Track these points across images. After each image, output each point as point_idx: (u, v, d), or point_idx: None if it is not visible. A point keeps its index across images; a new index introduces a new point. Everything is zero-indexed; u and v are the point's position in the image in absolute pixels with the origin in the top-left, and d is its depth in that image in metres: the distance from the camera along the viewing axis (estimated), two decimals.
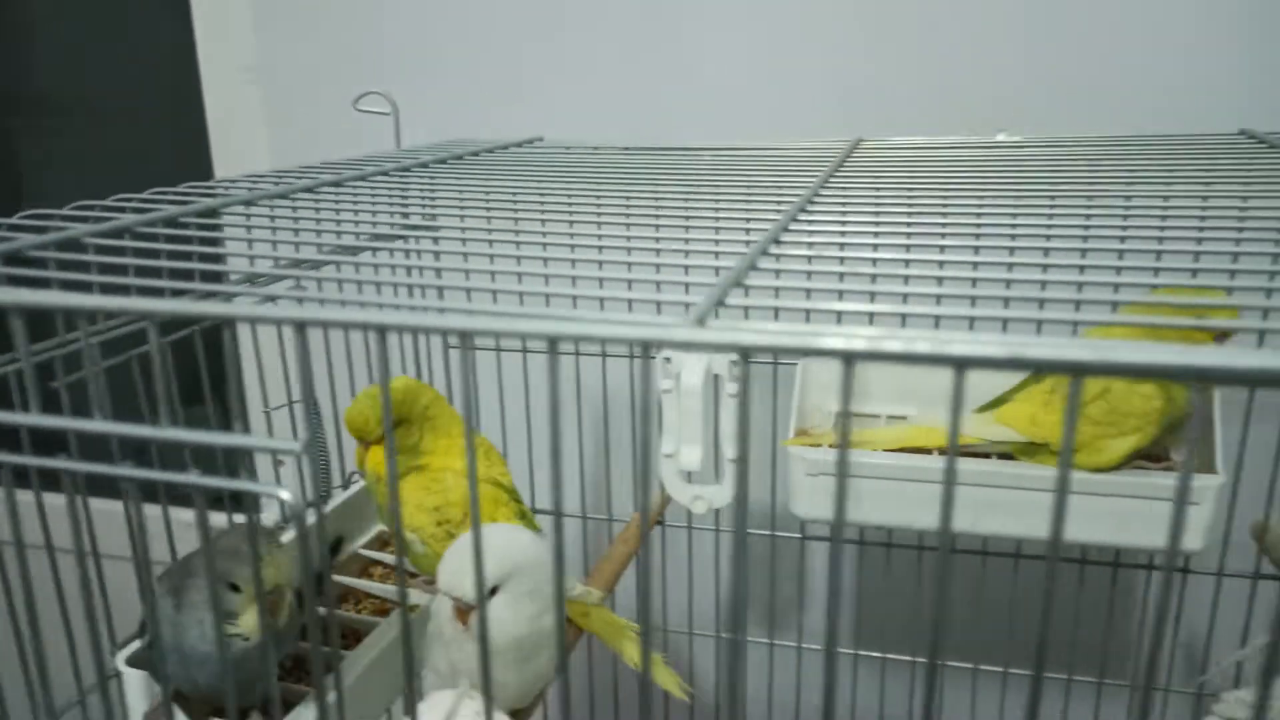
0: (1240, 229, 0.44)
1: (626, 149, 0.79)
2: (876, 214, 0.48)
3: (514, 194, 0.57)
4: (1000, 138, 0.75)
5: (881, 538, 0.91)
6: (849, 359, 0.25)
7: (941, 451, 0.75)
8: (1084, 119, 0.84)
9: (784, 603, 1.01)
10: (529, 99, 1.00)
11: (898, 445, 0.76)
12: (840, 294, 0.34)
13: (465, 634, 0.55)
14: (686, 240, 0.46)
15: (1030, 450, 0.72)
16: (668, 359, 0.88)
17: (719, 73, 0.95)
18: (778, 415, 0.91)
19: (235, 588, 0.50)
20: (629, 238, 0.47)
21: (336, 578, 0.75)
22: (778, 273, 0.36)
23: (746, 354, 0.26)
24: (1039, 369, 0.24)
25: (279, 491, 0.30)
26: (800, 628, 0.99)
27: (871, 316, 0.34)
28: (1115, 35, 0.85)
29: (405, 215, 0.57)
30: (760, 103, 0.94)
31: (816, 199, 0.52)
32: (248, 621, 0.50)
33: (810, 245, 0.40)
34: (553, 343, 0.27)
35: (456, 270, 0.38)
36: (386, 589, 0.75)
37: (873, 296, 0.34)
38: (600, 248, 0.43)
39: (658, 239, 0.46)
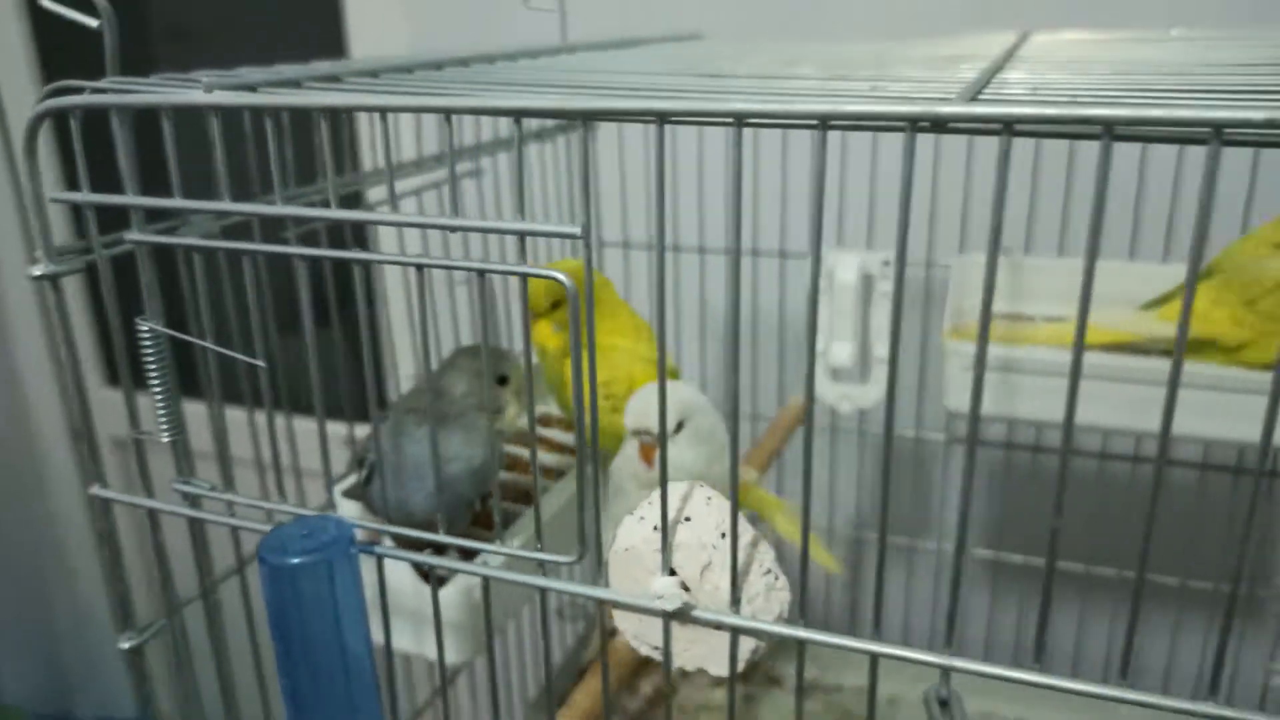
0: None
1: (788, 44, 0.80)
2: (1072, 72, 0.48)
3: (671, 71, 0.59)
4: (1174, 34, 0.74)
5: (1030, 441, 0.92)
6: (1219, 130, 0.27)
7: (1103, 348, 0.76)
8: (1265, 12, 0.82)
9: (925, 505, 1.03)
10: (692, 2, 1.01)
11: (1056, 342, 0.76)
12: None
13: (649, 473, 0.59)
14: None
15: (1195, 347, 0.72)
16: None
17: None
18: (929, 321, 0.92)
19: (503, 380, 0.55)
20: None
21: (506, 447, 0.80)
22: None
23: (1011, 125, 0.29)
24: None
25: (558, 275, 0.34)
26: (939, 531, 1.01)
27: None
28: None
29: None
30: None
31: (1007, 66, 0.53)
32: (512, 414, 0.55)
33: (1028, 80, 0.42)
34: (824, 121, 0.30)
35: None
36: (555, 458, 0.80)
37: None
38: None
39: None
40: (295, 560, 0.38)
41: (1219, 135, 0.26)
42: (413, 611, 0.61)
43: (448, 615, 0.61)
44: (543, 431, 0.85)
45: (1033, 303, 0.83)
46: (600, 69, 0.56)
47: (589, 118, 0.33)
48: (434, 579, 0.42)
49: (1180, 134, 0.28)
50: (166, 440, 0.44)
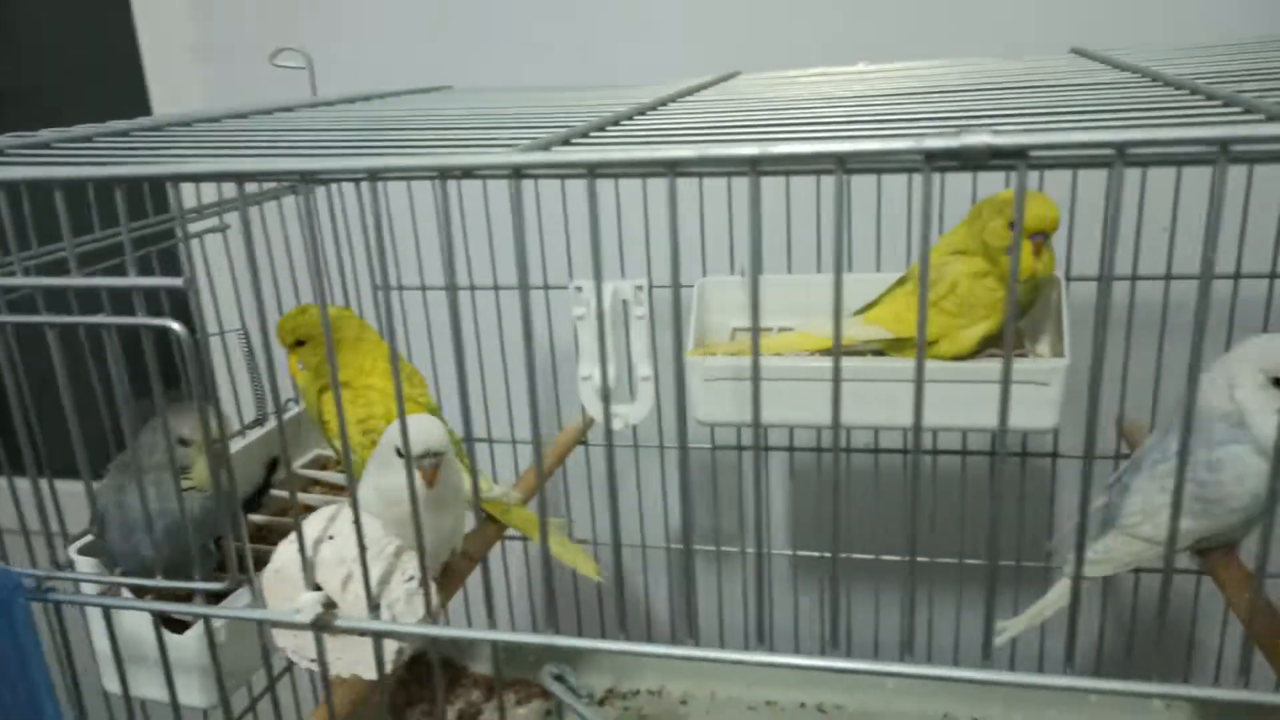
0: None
1: (525, 89, 0.86)
2: (730, 111, 0.55)
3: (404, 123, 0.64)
4: (860, 66, 0.83)
5: (783, 443, 0.99)
6: (673, 166, 0.32)
7: (824, 353, 0.83)
8: (942, 48, 0.93)
9: (703, 512, 1.09)
10: (440, 52, 1.07)
11: (784, 350, 0.84)
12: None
13: (434, 493, 0.62)
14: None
15: (898, 345, 0.80)
16: (579, 288, 0.95)
17: (608, 19, 1.03)
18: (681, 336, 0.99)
19: (185, 442, 0.57)
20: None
21: (278, 493, 0.82)
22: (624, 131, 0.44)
23: (594, 170, 0.34)
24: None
25: (170, 324, 0.37)
26: (717, 533, 1.08)
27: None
28: None
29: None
30: (652, 48, 1.03)
31: (674, 102, 0.59)
32: (199, 472, 0.57)
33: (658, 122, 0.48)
34: (372, 175, 0.34)
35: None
36: (324, 499, 0.82)
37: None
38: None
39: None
40: None
41: (673, 170, 0.32)
42: (155, 660, 0.62)
43: (190, 659, 0.63)
44: (317, 474, 0.87)
45: (767, 316, 0.91)
46: (313, 126, 0.60)
47: (176, 179, 0.37)
48: (109, 618, 0.44)
49: (647, 172, 0.33)
50: None
